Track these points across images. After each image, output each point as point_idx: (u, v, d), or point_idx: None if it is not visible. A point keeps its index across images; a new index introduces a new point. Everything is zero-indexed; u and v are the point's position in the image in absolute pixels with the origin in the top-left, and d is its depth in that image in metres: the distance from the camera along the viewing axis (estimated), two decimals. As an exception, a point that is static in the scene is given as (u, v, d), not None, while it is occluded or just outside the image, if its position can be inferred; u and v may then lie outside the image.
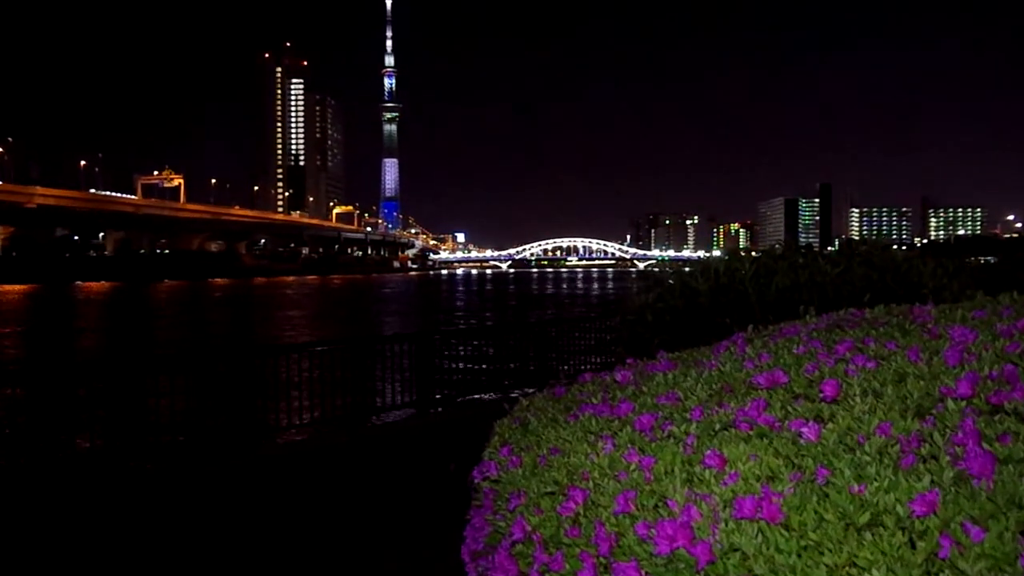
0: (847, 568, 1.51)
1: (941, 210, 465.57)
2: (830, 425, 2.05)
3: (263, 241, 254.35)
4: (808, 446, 1.98)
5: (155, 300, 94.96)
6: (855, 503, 1.61)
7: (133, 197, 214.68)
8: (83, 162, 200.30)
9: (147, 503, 8.76)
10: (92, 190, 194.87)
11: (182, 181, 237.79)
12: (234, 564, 6.99)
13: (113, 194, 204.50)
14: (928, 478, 1.64)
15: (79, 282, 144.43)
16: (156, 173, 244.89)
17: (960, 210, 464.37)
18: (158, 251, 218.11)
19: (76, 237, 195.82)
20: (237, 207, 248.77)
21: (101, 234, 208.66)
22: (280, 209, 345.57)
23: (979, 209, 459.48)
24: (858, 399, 2.22)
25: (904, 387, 2.24)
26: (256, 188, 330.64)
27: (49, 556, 7.20)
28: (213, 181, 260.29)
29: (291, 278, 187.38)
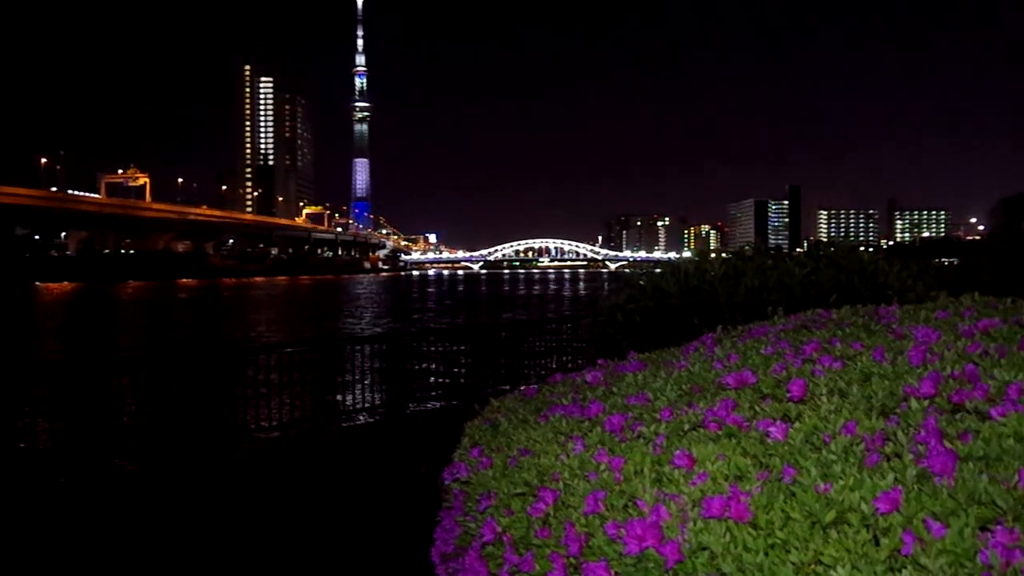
0: (813, 566, 1.53)
1: (907, 212, 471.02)
2: (797, 425, 2.08)
3: (231, 241, 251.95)
4: (775, 445, 2.00)
5: (119, 301, 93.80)
6: (821, 501, 1.64)
7: (97, 196, 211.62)
8: (44, 160, 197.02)
9: (112, 509, 8.67)
10: (54, 188, 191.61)
11: (148, 180, 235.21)
12: (203, 569, 6.93)
13: (76, 193, 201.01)
14: (892, 476, 1.67)
15: (39, 283, 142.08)
16: (121, 172, 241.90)
17: (925, 213, 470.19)
18: (123, 251, 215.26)
19: (37, 236, 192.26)
20: (205, 207, 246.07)
21: (63, 233, 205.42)
22: (249, 209, 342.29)
23: (943, 212, 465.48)
24: (824, 399, 2.25)
25: (869, 387, 2.27)
26: (224, 188, 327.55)
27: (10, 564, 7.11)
28: (180, 180, 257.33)
29: (260, 279, 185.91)
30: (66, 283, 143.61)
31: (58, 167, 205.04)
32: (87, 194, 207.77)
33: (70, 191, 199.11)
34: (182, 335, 49.26)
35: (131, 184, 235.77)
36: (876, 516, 1.56)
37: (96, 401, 9.98)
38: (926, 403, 2.05)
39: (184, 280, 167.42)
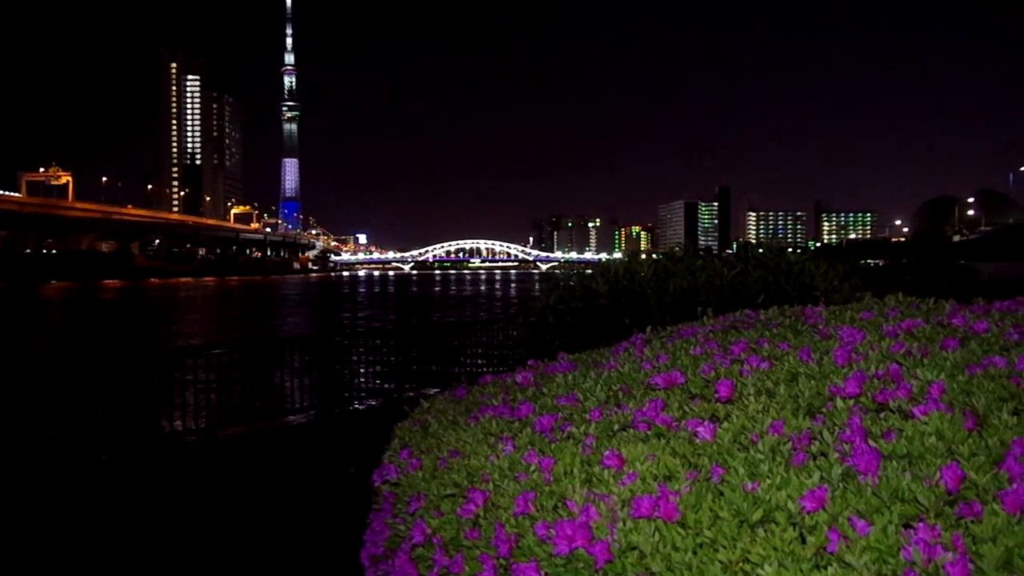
0: (741, 564, 1.53)
1: (834, 214, 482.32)
2: (725, 424, 2.09)
3: (157, 242, 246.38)
4: (704, 445, 2.01)
5: (40, 302, 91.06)
6: (748, 500, 1.64)
7: (17, 195, 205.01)
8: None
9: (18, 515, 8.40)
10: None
11: (71, 179, 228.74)
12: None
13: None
14: (818, 475, 1.68)
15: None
16: (42, 170, 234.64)
17: (852, 215, 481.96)
18: (45, 251, 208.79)
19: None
20: (130, 206, 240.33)
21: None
22: (176, 209, 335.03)
23: (869, 214, 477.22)
24: (752, 399, 2.27)
25: (796, 386, 2.30)
26: (150, 187, 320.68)
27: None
28: (104, 179, 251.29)
29: (187, 279, 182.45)
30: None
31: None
32: (7, 193, 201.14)
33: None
34: (108, 337, 47.99)
35: (53, 183, 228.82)
36: (803, 514, 1.57)
37: None
38: (851, 402, 2.08)
39: (109, 281, 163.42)
